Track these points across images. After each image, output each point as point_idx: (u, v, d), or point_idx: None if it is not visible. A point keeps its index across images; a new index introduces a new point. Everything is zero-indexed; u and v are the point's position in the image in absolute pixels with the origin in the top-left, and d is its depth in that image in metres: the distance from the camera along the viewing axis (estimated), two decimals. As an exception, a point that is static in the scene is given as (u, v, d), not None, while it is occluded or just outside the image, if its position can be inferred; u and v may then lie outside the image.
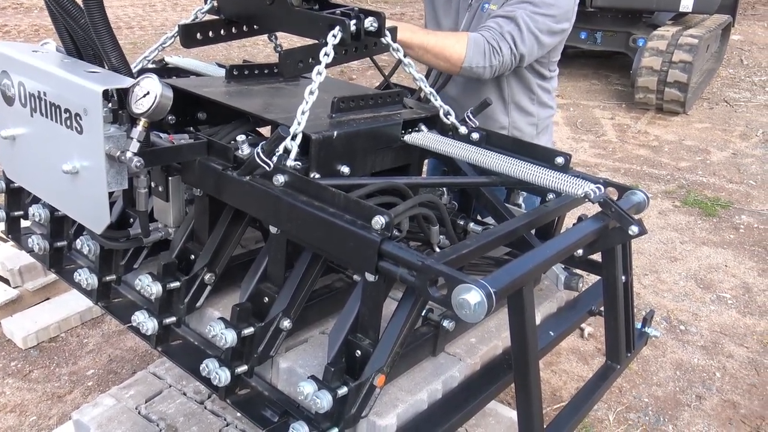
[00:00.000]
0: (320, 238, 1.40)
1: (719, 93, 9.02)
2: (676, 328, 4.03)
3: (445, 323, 1.72)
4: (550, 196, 2.01)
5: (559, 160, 2.02)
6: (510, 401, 3.34)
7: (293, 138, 1.64)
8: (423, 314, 1.75)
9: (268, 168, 1.55)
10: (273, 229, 1.60)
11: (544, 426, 1.52)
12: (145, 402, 2.54)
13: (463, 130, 2.16)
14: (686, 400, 3.43)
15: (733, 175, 6.39)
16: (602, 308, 2.28)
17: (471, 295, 1.20)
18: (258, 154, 1.53)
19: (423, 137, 2.03)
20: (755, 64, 10.21)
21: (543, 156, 2.02)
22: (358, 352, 1.42)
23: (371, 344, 1.42)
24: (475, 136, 2.15)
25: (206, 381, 1.66)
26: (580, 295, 2.32)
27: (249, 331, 1.54)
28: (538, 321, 2.06)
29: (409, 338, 1.53)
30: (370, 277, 1.42)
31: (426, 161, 2.29)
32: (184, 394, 2.60)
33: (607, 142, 7.14)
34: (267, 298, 1.58)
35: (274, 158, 1.60)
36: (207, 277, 1.82)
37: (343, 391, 1.36)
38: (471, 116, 2.20)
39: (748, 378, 3.62)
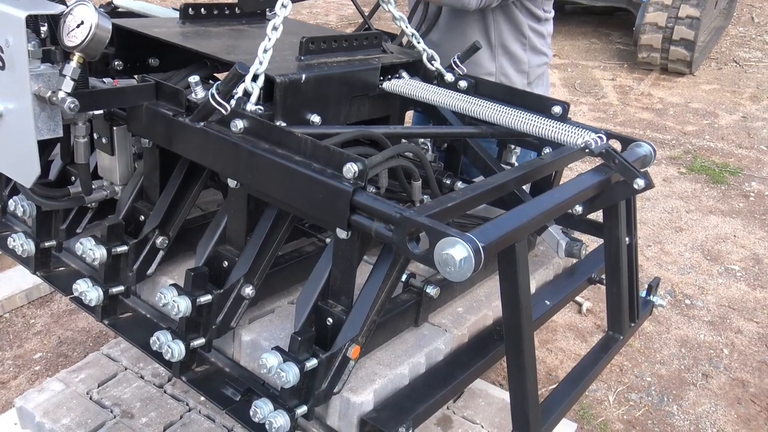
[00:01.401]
0: (285, 190, 1.32)
1: (728, 53, 9.00)
2: (682, 303, 4.02)
3: (429, 289, 1.65)
4: (546, 150, 1.95)
5: (557, 109, 1.96)
6: (502, 382, 3.31)
7: (254, 79, 1.55)
8: (404, 280, 1.69)
9: (224, 112, 1.46)
10: (232, 183, 1.52)
11: (539, 403, 1.46)
12: (98, 386, 2.47)
13: (449, 77, 2.08)
14: (692, 379, 3.42)
15: (743, 140, 6.38)
16: (603, 276, 2.25)
17: (456, 250, 1.13)
18: (213, 95, 1.44)
19: (404, 84, 1.96)
20: (767, 22, 10.19)
21: (538, 105, 1.95)
22: (330, 319, 1.35)
23: (344, 311, 1.36)
24: (463, 84, 2.08)
25: (158, 356, 1.58)
26: (578, 262, 2.27)
27: (206, 299, 1.47)
28: (532, 289, 2.02)
29: (387, 305, 1.47)
30: (341, 234, 1.34)
31: (409, 114, 2.21)
32: (142, 377, 2.53)
33: (608, 104, 7.09)
34: (226, 262, 1.50)
35: (232, 102, 1.51)
36: (159, 240, 1.74)
37: (312, 363, 1.30)
38: (458, 62, 2.12)
39: (758, 354, 3.62)
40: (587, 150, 1.69)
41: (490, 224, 1.25)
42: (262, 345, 1.55)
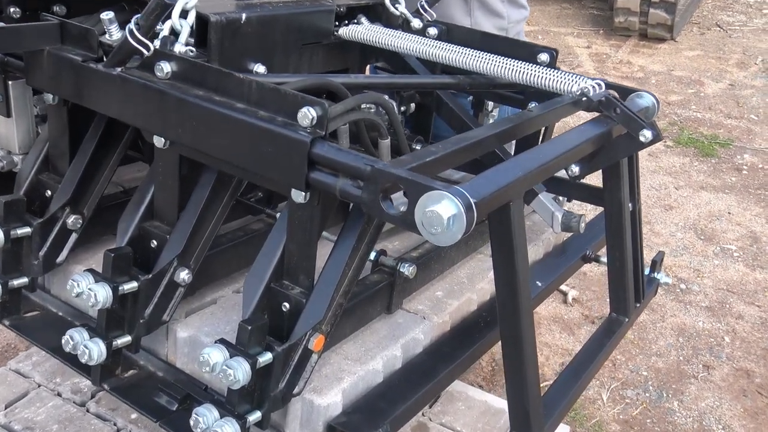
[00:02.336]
0: (226, 145, 1.22)
1: (710, 16, 9.14)
2: (676, 287, 4.01)
3: (404, 269, 1.55)
4: (533, 105, 1.86)
5: (543, 57, 1.87)
6: (482, 384, 3.23)
7: (183, 15, 1.40)
8: (373, 258, 1.58)
9: (146, 52, 1.32)
10: (159, 142, 1.37)
11: (541, 397, 1.36)
12: (5, 408, 2.28)
13: (416, 23, 1.98)
14: (692, 371, 3.40)
15: (732, 110, 6.46)
16: (598, 254, 2.18)
17: (443, 207, 1.02)
18: (132, 32, 1.30)
19: (364, 30, 1.84)
20: (749, -16, 10.40)
21: (521, 53, 1.85)
22: (286, 304, 1.24)
23: (303, 293, 1.26)
24: (432, 31, 1.97)
25: (73, 361, 1.43)
26: (570, 238, 2.20)
27: (131, 286, 1.34)
28: None
29: (355, 288, 1.36)
30: (298, 197, 1.21)
31: (369, 68, 2.10)
32: (59, 394, 2.35)
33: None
34: (155, 241, 1.38)
35: (156, 42, 1.36)
36: (70, 220, 1.58)
37: (266, 358, 1.19)
38: (426, 6, 2.02)
39: (762, 341, 3.63)
40: (585, 98, 1.60)
41: (480, 177, 1.15)
42: (203, 342, 1.44)
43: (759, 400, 3.27)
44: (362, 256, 1.31)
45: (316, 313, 1.26)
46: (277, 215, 1.70)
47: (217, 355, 1.21)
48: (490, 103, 2.21)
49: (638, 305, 1.86)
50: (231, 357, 1.21)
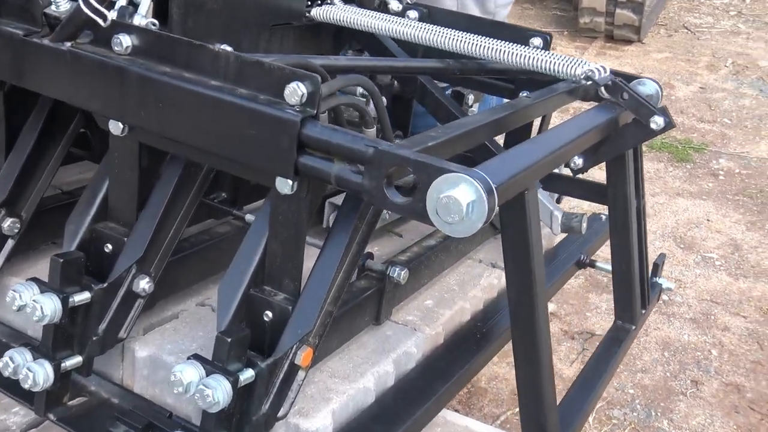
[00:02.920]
0: (198, 130, 1.16)
1: (677, 18, 9.35)
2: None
3: (394, 273, 1.47)
4: (524, 95, 1.81)
5: (536, 41, 1.83)
6: (458, 407, 3.15)
7: (143, -15, 1.31)
8: (360, 262, 1.49)
9: (102, 23, 1.21)
10: (116, 128, 1.27)
11: (557, 406, 1.30)
12: None
13: (395, 5, 1.92)
14: (680, 388, 3.39)
15: (704, 113, 6.57)
16: (593, 258, 2.14)
17: (461, 191, 0.95)
18: (86, 0, 1.19)
19: (338, 11, 1.76)
20: (713, -15, 10.70)
21: (512, 37, 1.80)
22: (269, 313, 1.17)
23: (289, 300, 1.20)
24: (413, 14, 1.92)
25: (13, 388, 1.32)
26: (561, 242, 2.16)
27: (83, 297, 1.24)
28: None
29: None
30: (284, 187, 1.13)
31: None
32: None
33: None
34: (110, 245, 1.29)
35: (113, 13, 1.26)
36: (6, 224, 1.46)
37: (247, 375, 1.11)
38: (405, -14, 1.96)
39: (751, 354, 3.64)
40: (590, 81, 1.55)
41: (495, 161, 1.08)
42: (166, 362, 1.36)
43: (752, 416, 3.27)
44: (354, 257, 1.23)
45: (305, 322, 1.17)
46: (246, 217, 1.62)
47: (191, 373, 1.11)
48: (470, 97, 2.16)
49: (644, 312, 1.82)
50: (208, 375, 1.11)
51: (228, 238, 1.58)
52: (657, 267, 2.02)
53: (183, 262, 1.49)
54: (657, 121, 1.53)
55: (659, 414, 3.24)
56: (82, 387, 1.38)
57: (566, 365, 3.50)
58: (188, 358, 1.14)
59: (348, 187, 1.07)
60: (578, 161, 1.63)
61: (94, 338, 1.31)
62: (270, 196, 1.19)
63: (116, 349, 1.38)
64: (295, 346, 1.19)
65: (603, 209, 1.89)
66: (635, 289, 1.73)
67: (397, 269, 1.48)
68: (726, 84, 7.29)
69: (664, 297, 4.03)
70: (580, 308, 3.88)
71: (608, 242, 1.79)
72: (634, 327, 1.74)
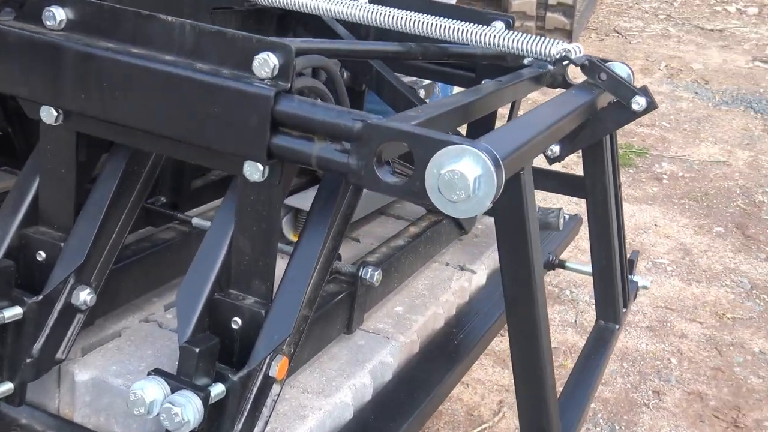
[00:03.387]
0: (150, 113, 1.09)
1: (607, 22, 9.62)
2: (612, 308, 4.05)
3: (367, 275, 1.41)
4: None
5: (498, 24, 1.80)
6: None
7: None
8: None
9: (31, -6, 1.12)
10: (48, 116, 1.17)
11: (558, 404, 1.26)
12: None
13: (343, -12, 1.86)
14: (642, 399, 3.42)
15: (643, 117, 6.73)
16: (562, 258, 2.13)
17: (466, 165, 0.91)
18: (10, -32, 1.10)
19: (285, -7, 1.70)
20: (641, -11, 11.07)
21: (473, 20, 1.76)
22: (237, 319, 1.10)
23: (260, 303, 1.15)
24: (363, -2, 1.86)
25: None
26: None
27: (13, 312, 1.14)
28: (483, 279, 1.86)
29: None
30: (253, 173, 1.05)
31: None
32: None
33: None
34: (43, 252, 1.19)
35: (41, -15, 1.17)
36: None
37: (218, 391, 1.02)
38: (352, -30, 1.91)
39: (710, 360, 3.71)
40: (566, 61, 1.53)
41: (493, 135, 1.03)
42: (112, 385, 1.29)
43: (717, 424, 3.31)
44: (331, 253, 1.17)
45: (281, 327, 1.10)
46: (193, 221, 1.53)
47: (153, 390, 1.02)
48: (421, 90, 2.13)
49: (625, 310, 1.80)
50: (174, 391, 1.02)
51: (173, 245, 1.50)
52: (632, 264, 2.01)
53: (125, 271, 1.40)
54: (639, 102, 1.52)
55: (623, 428, 3.25)
56: (11, 420, 1.27)
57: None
58: (149, 374, 1.05)
59: (332, 168, 1.00)
60: (555, 149, 1.60)
61: (28, 361, 1.22)
62: (235, 186, 1.11)
63: (51, 374, 1.28)
64: (268, 357, 1.11)
65: (574, 205, 1.88)
66: (617, 286, 1.71)
67: (370, 270, 1.42)
68: (661, 87, 7.51)
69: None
70: (532, 321, 3.88)
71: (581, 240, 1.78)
72: (618, 326, 1.72)
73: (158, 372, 1.05)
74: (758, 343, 3.86)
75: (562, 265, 2.10)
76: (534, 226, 1.16)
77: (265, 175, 1.06)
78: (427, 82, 2.56)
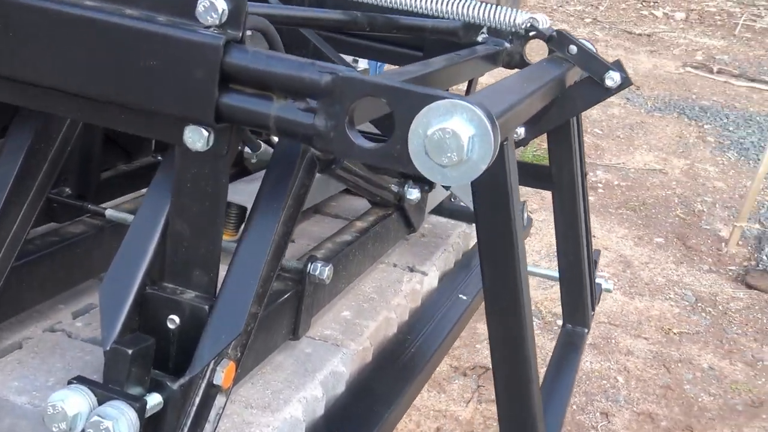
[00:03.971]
0: (66, 69, 0.99)
1: (531, 25, 9.81)
2: (553, 325, 4.06)
3: (316, 270, 1.32)
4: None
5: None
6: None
7: None
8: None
9: None
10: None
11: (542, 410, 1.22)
12: None
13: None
14: (590, 422, 3.43)
15: (573, 123, 6.88)
16: None
17: (458, 122, 0.84)
18: None
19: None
20: (564, -9, 11.35)
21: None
22: (175, 317, 1.00)
23: (202, 298, 1.06)
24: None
25: None
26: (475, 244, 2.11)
27: None
28: (435, 280, 1.81)
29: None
30: (196, 141, 0.97)
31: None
32: None
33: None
34: None
35: None
36: None
37: (155, 401, 0.92)
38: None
39: (659, 378, 3.75)
40: (533, 31, 1.50)
41: (478, 96, 0.98)
42: (14, 404, 1.22)
43: (670, 446, 3.35)
44: (282, 239, 1.08)
45: (229, 326, 1.01)
46: (107, 213, 1.42)
47: (77, 401, 0.91)
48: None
49: (592, 314, 1.77)
50: (102, 402, 0.91)
51: (84, 241, 1.39)
52: (596, 264, 1.99)
53: (27, 271, 1.29)
54: (613, 77, 1.50)
55: (571, 453, 3.24)
56: None
57: (461, 406, 3.44)
58: (70, 383, 0.93)
59: (294, 132, 0.92)
60: (519, 131, 1.56)
61: None
62: (172, 157, 1.01)
63: (-63, 394, 1.15)
64: (212, 362, 1.01)
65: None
66: (585, 287, 1.67)
67: (319, 266, 1.33)
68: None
69: (559, 322, 4.08)
70: (469, 340, 3.86)
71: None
72: (587, 330, 1.69)
73: (81, 380, 0.94)
74: (707, 359, 3.94)
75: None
76: (518, 207, 1.11)
77: (210, 143, 0.97)
78: (363, 66, 2.51)
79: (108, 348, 0.97)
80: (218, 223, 1.02)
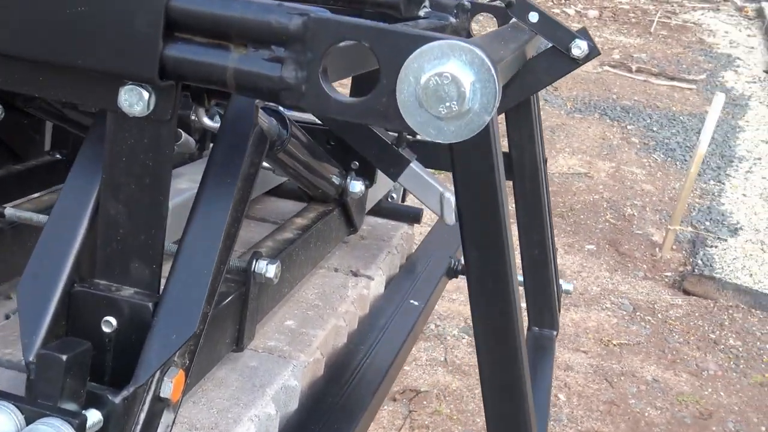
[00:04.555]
0: None
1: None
2: (486, 342, 4.05)
3: (262, 268, 1.25)
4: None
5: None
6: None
7: None
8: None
9: None
10: None
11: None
12: None
13: None
14: (534, 444, 3.41)
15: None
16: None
17: (455, 66, 0.78)
18: None
19: None
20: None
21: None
22: (111, 319, 0.93)
23: (144, 295, 0.97)
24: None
25: None
26: (423, 245, 2.07)
27: None
28: (381, 285, 1.76)
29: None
30: (134, 104, 0.88)
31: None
32: None
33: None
34: None
35: None
36: None
37: (94, 418, 0.84)
38: None
39: (602, 393, 3.78)
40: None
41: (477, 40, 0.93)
42: None
43: (620, 466, 3.36)
44: (233, 226, 1.00)
45: (181, 325, 0.92)
46: (6, 212, 1.32)
47: (2, 421, 0.80)
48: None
49: (559, 315, 1.75)
50: (32, 421, 0.82)
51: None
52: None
53: None
54: (580, 46, 1.47)
55: (516, 479, 3.21)
56: None
57: (392, 433, 3.39)
58: (-11, 401, 0.83)
59: (258, 86, 0.84)
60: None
61: None
62: (102, 127, 0.92)
63: None
64: (158, 372, 0.92)
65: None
66: (552, 286, 1.65)
67: (265, 263, 1.25)
68: (507, 95, 7.78)
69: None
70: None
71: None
72: (555, 332, 1.65)
73: (4, 395, 0.83)
74: (650, 371, 3.98)
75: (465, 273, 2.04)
76: (503, 184, 1.07)
77: (151, 106, 0.88)
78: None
79: (32, 357, 0.87)
80: (161, 204, 0.94)
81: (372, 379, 1.42)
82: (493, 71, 0.79)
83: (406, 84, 0.80)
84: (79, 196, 0.96)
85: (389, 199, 2.08)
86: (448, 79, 0.79)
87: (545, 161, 1.72)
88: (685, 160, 6.60)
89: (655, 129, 7.34)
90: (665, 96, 8.33)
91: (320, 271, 1.70)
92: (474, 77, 0.79)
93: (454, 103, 0.79)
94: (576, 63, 1.48)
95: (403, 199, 2.26)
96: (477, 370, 3.62)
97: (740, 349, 4.24)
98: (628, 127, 7.32)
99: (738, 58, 10.00)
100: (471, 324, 3.85)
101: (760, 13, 11.88)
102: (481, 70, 0.79)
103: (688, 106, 8.11)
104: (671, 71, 9.10)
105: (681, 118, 7.67)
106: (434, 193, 1.67)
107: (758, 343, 4.30)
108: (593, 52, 1.48)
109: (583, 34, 1.48)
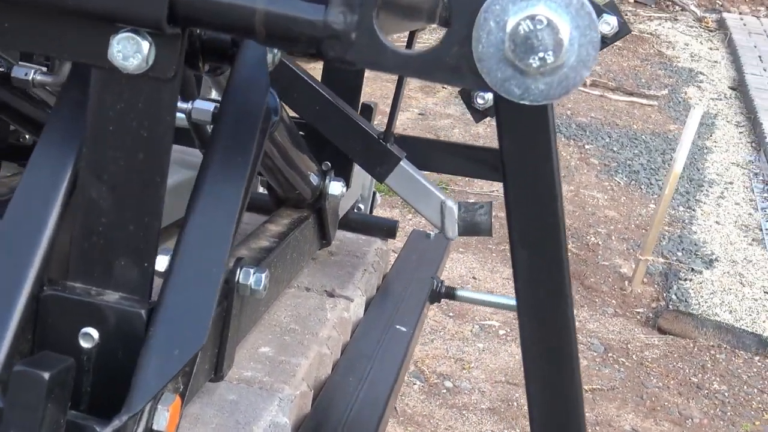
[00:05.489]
0: None
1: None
2: (440, 388, 4.02)
3: (249, 279, 1.18)
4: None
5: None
6: None
7: None
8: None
9: None
10: None
11: None
12: None
13: None
14: None
15: (433, 145, 6.95)
16: (453, 287, 2.11)
17: (545, 9, 0.76)
18: None
19: None
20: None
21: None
22: (92, 331, 0.90)
23: (134, 301, 0.91)
24: None
25: None
26: (398, 261, 2.06)
27: None
28: (361, 308, 1.72)
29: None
30: (129, 58, 0.80)
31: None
32: None
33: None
34: None
35: None
36: None
37: None
38: None
39: (577, 447, 3.75)
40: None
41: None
42: None
43: None
44: (241, 215, 0.94)
45: (187, 336, 0.85)
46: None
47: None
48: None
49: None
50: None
51: None
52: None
53: None
54: (609, 22, 1.44)
55: None
56: None
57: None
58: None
59: (294, 35, 0.78)
60: (487, 96, 1.48)
61: None
62: (75, 86, 0.84)
63: None
64: (154, 398, 0.86)
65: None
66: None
67: (252, 272, 1.18)
68: (449, 109, 7.82)
69: (447, 384, 4.04)
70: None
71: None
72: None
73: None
74: (628, 419, 3.98)
75: (451, 295, 2.03)
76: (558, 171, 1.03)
77: (151, 60, 0.80)
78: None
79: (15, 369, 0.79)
80: (158, 185, 0.86)
81: (368, 417, 1.36)
82: (593, 16, 0.74)
83: (485, 30, 0.74)
84: (49, 175, 0.88)
85: (355, 210, 2.04)
86: (542, 24, 0.73)
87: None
88: (651, 184, 6.69)
89: (615, 149, 7.43)
90: (624, 113, 8.46)
91: (290, 291, 1.65)
92: (571, 23, 0.74)
93: (549, 54, 0.73)
94: (604, 42, 1.45)
95: (371, 210, 2.23)
96: (431, 422, 3.56)
97: (726, 394, 4.27)
98: (586, 146, 7.41)
99: (701, 73, 10.25)
100: (422, 368, 3.78)
101: (721, 24, 12.21)
102: (579, 14, 0.74)
103: (650, 124, 8.25)
104: (629, 86, 9.26)
105: (643, 137, 7.79)
106: (432, 200, 1.63)
107: (745, 387, 4.33)
108: (623, 30, 1.45)
109: (612, 8, 1.45)
